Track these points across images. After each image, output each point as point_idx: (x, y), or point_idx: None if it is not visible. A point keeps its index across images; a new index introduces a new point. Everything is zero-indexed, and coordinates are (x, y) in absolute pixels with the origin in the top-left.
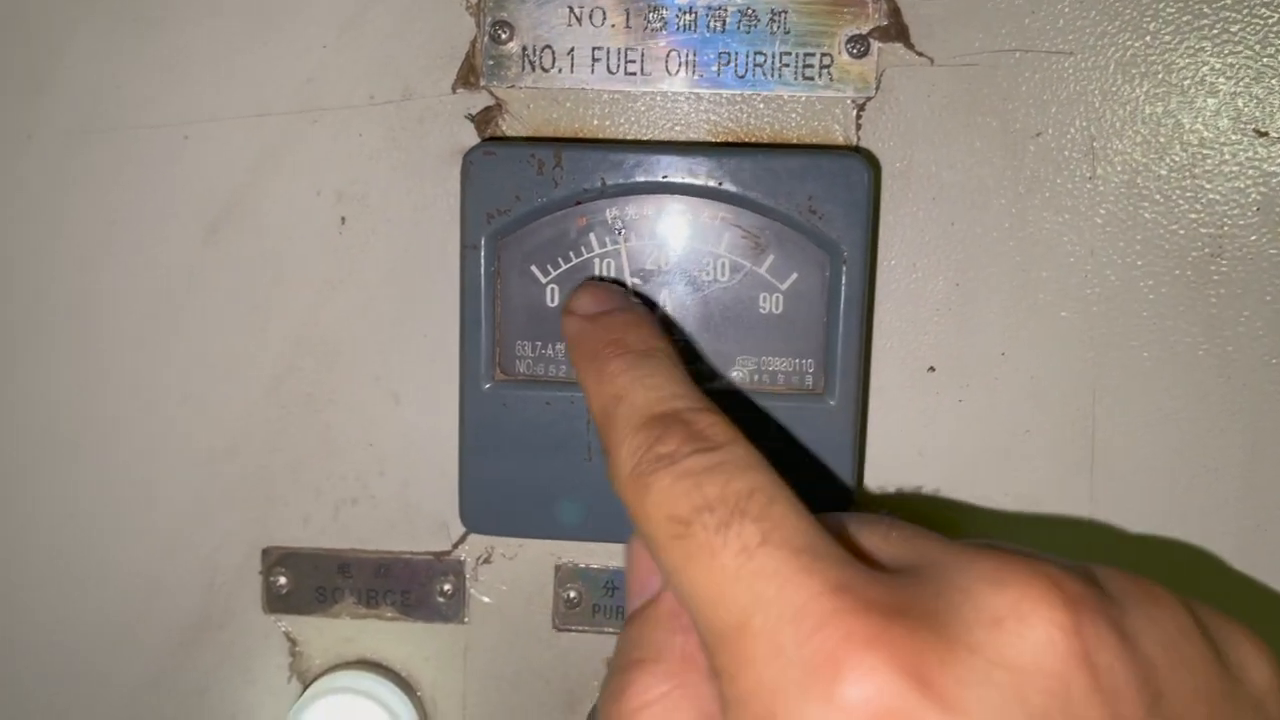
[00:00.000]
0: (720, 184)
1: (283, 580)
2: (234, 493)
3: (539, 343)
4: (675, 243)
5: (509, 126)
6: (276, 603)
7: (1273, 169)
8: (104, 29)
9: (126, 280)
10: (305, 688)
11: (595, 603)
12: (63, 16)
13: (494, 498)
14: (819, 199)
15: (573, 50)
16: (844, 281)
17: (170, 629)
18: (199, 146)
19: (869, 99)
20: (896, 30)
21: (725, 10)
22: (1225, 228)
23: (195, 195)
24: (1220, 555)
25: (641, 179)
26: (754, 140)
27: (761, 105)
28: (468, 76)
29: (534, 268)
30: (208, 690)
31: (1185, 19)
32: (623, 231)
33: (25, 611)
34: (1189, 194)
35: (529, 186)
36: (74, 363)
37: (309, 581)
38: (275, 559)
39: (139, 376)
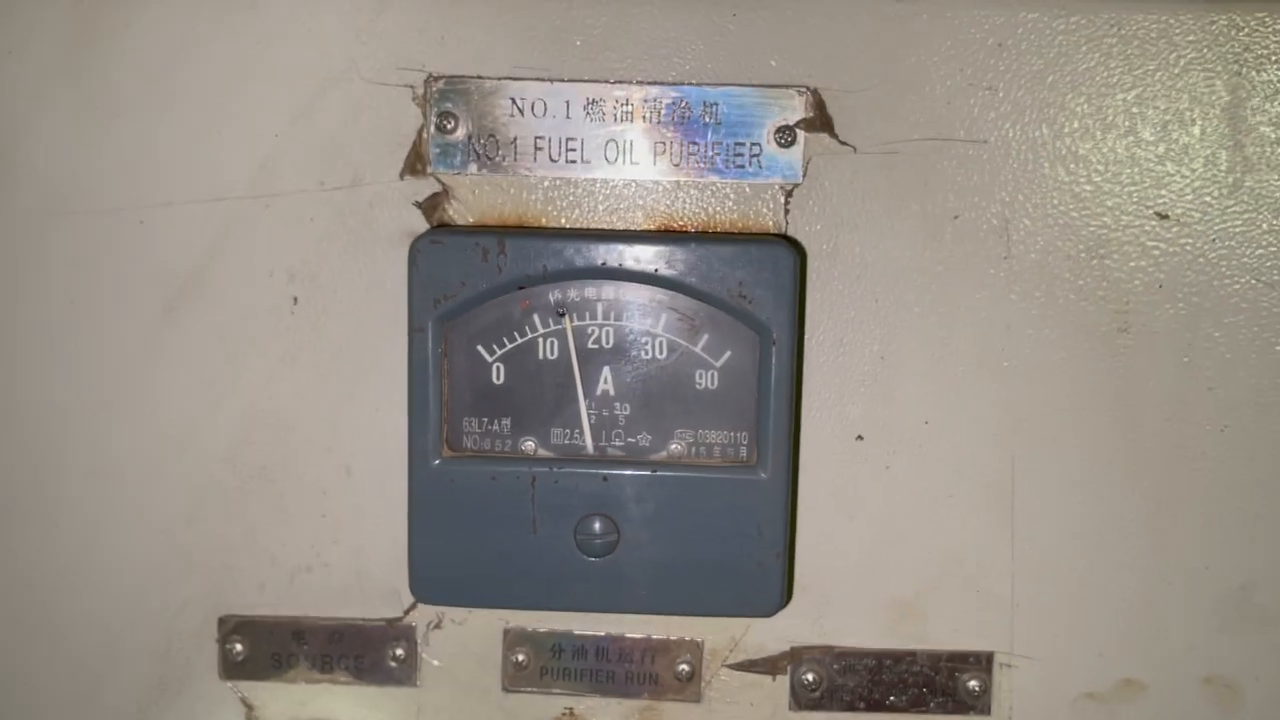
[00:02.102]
0: (656, 270)
1: (239, 647)
2: (191, 561)
3: (485, 419)
4: (615, 323)
5: (455, 212)
6: (233, 669)
7: (1173, 249)
8: (64, 117)
9: (85, 357)
10: None
11: (543, 665)
12: (24, 103)
13: (442, 569)
14: (748, 284)
15: (516, 139)
16: (774, 360)
17: (128, 695)
18: (156, 230)
19: (796, 185)
20: (821, 121)
21: (660, 102)
22: (1130, 304)
23: (152, 276)
24: (1130, 603)
25: (582, 264)
26: (688, 226)
27: (695, 192)
28: (415, 164)
29: (480, 348)
30: None
31: (1090, 109)
32: (565, 314)
33: None
34: (1096, 273)
35: (474, 273)
36: (34, 435)
37: (264, 648)
38: (231, 626)
39: (97, 450)
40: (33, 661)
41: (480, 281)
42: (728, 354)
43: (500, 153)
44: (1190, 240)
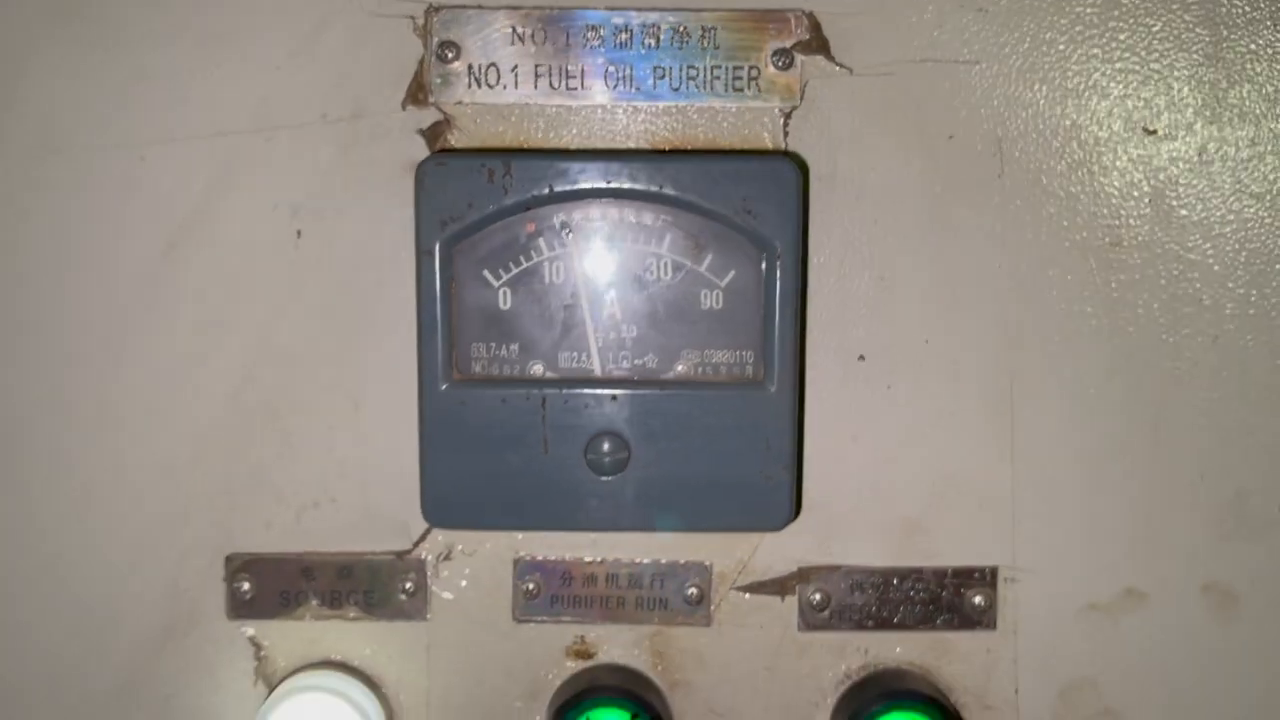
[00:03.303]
0: (660, 188)
1: (246, 586)
2: (197, 501)
3: (494, 344)
4: (620, 244)
5: (457, 140)
6: (241, 608)
7: (1160, 163)
8: (63, 52)
9: (87, 296)
10: (270, 690)
11: (553, 594)
12: (23, 39)
13: (455, 492)
14: (753, 199)
15: (516, 68)
16: (779, 276)
17: (136, 637)
18: (157, 166)
19: (795, 108)
20: (818, 44)
21: (659, 28)
22: (1122, 218)
23: (153, 213)
24: (1129, 515)
25: (586, 185)
26: (690, 148)
27: (695, 116)
28: (416, 94)
29: (486, 272)
30: (174, 696)
31: (1077, 29)
32: (570, 235)
33: None
34: (1089, 189)
35: (480, 194)
36: (35, 376)
37: (272, 586)
38: (239, 565)
39: (101, 390)
40: (39, 607)
41: (486, 203)
42: (732, 273)
43: (501, 81)
44: (1178, 154)
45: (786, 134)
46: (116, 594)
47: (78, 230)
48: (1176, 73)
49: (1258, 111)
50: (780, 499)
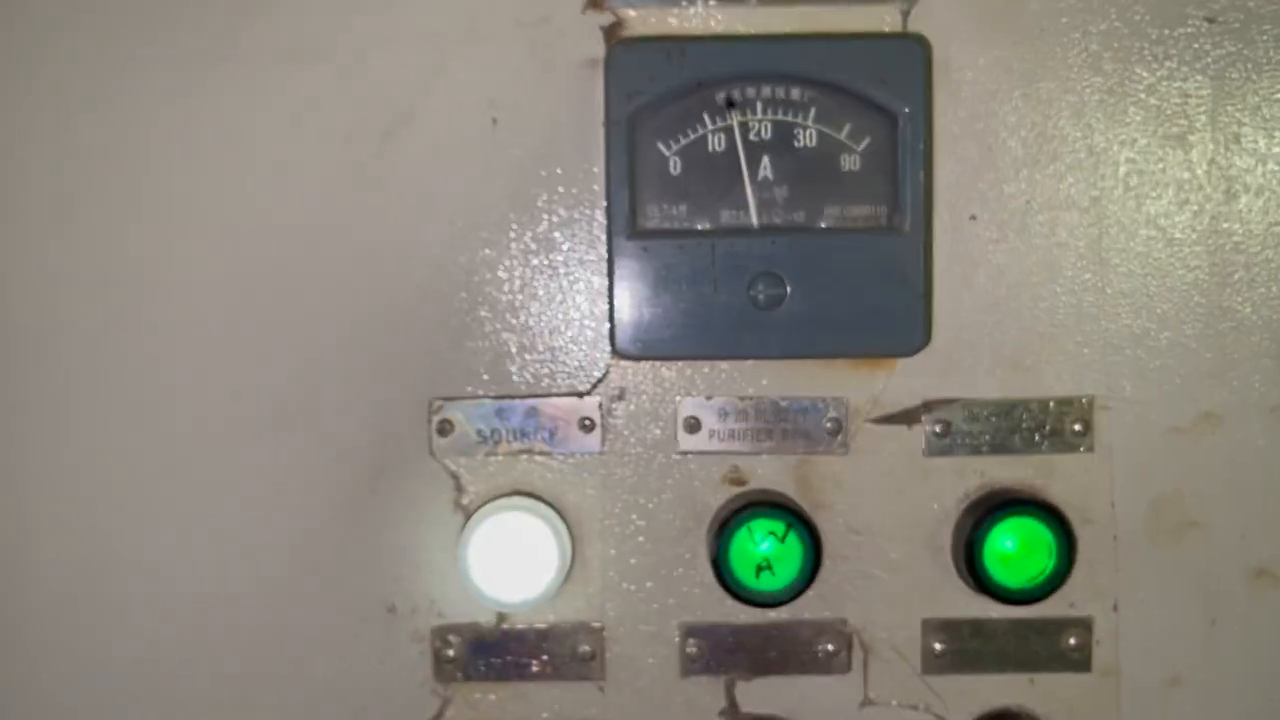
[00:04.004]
0: (807, 68)
1: (447, 426)
2: (403, 353)
3: (667, 204)
4: (773, 117)
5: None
6: (442, 449)
7: None
8: None
9: (306, 181)
10: (468, 518)
11: (711, 429)
12: None
13: (639, 328)
14: (886, 74)
15: None
16: (909, 139)
17: (355, 473)
18: (376, 65)
19: (913, 5)
20: None
21: None
22: (1190, 103)
23: (374, 105)
24: (1206, 346)
25: (750, 67)
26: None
27: (829, 15)
28: (595, 0)
29: (660, 144)
30: (386, 525)
31: None
32: (734, 109)
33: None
34: (1165, 73)
35: (660, 73)
36: (265, 245)
37: (470, 426)
38: (439, 408)
39: (319, 253)
40: (256, 454)
41: (664, 81)
42: (868, 139)
43: None
44: None
45: (905, 27)
46: (326, 438)
47: (305, 125)
48: None
49: None
50: (916, 326)
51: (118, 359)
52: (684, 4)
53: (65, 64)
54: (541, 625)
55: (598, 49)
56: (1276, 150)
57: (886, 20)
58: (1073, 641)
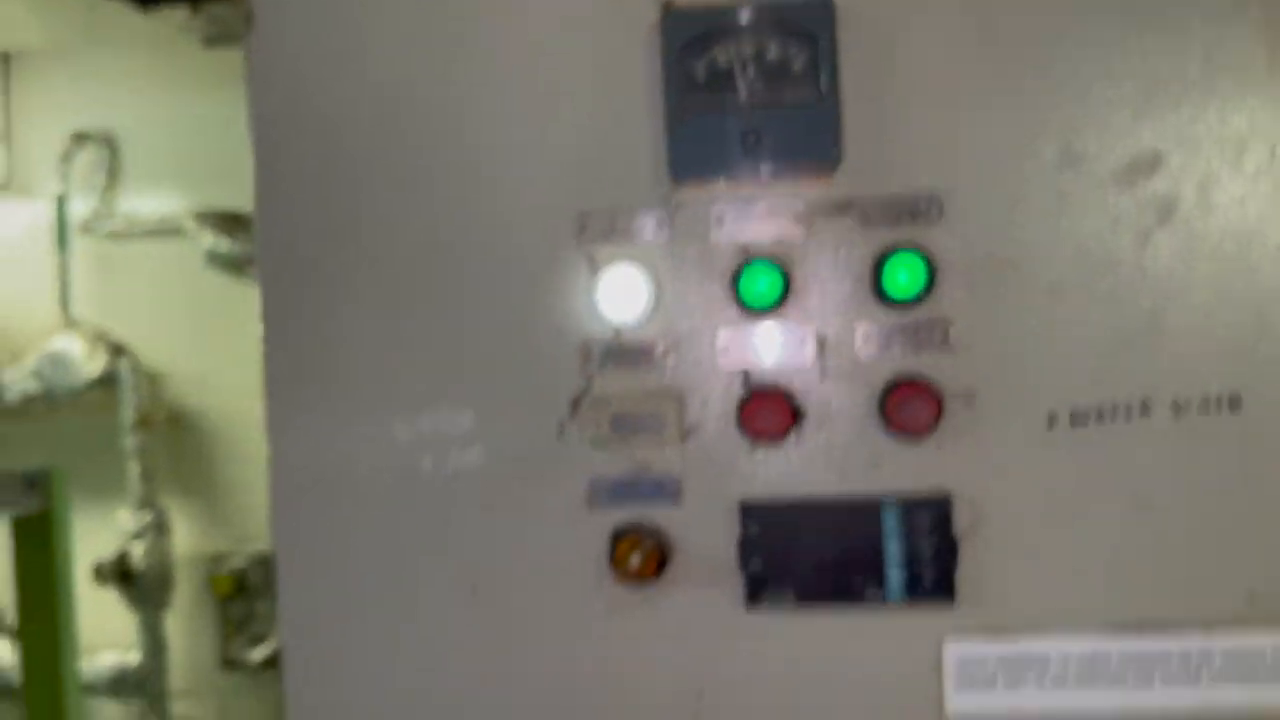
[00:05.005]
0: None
1: (585, 225)
2: (555, 166)
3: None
4: (765, 52)
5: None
6: (581, 237)
7: None
8: None
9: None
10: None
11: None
12: None
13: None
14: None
15: None
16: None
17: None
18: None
19: None
20: None
21: None
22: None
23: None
24: None
25: (746, 21)
26: None
27: None
28: None
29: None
30: (538, 292)
31: None
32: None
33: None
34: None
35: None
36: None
37: (596, 222)
38: (578, 215)
39: (527, 98)
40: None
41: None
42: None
43: None
44: None
45: None
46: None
47: None
48: None
49: None
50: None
51: None
52: None
53: None
54: None
55: (653, 14)
56: None
57: None
58: None
